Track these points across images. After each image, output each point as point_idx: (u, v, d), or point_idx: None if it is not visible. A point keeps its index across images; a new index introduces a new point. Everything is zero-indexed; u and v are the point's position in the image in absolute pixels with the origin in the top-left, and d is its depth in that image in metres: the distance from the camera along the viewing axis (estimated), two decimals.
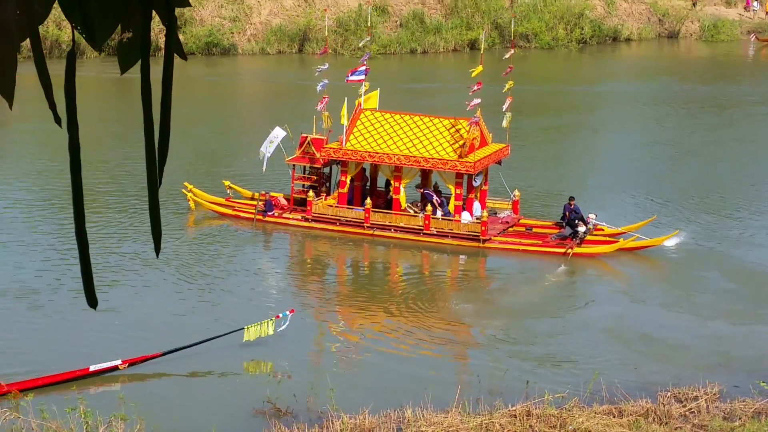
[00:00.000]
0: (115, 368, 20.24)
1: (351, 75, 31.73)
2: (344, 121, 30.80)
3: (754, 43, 78.70)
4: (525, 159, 38.80)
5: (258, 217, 31.03)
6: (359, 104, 31.13)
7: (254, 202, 31.66)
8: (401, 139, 30.33)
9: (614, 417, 18.11)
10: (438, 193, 30.95)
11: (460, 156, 29.64)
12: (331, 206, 30.85)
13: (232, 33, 65.86)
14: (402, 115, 31.10)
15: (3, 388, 18.96)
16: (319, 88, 31.93)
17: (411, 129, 30.49)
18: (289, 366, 20.99)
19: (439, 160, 29.79)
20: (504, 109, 32.08)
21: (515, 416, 17.92)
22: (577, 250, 29.09)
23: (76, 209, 2.88)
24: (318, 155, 31.04)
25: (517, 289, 26.80)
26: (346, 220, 30.47)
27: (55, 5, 2.84)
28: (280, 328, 21.76)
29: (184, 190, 31.66)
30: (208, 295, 25.39)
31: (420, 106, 42.72)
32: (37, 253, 27.62)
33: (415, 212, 30.34)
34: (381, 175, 31.94)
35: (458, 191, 30.13)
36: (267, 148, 31.69)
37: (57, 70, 2.94)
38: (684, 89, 58.84)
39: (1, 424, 17.27)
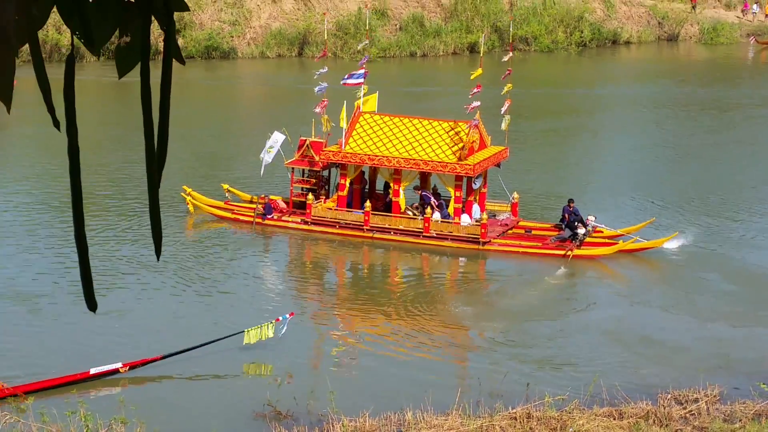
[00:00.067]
0: (116, 371, 20.25)
1: (348, 78, 31.70)
2: (343, 124, 30.82)
3: (754, 45, 78.72)
4: (524, 162, 38.81)
5: (257, 220, 31.04)
6: (358, 107, 31.15)
7: (253, 205, 31.67)
8: (400, 141, 30.35)
9: (614, 419, 18.12)
10: (437, 195, 30.97)
11: (459, 159, 29.66)
12: (331, 209, 30.86)
13: (232, 37, 65.89)
14: (401, 118, 31.12)
15: (4, 392, 18.95)
16: (317, 90, 31.92)
17: (410, 132, 30.51)
18: (289, 369, 20.97)
19: (439, 162, 29.80)
20: (503, 112, 32.10)
21: (515, 419, 17.93)
22: (576, 252, 29.11)
23: (75, 212, 2.90)
24: (317, 158, 31.05)
25: (517, 292, 26.81)
26: (346, 223, 30.48)
27: (54, 10, 2.86)
28: (280, 331, 21.77)
29: (183, 194, 31.68)
30: (208, 298, 25.40)
31: (420, 110, 42.73)
32: (37, 256, 27.63)
33: (414, 214, 30.35)
34: (379, 178, 31.95)
35: (458, 194, 30.15)
36: (267, 155, 31.66)
37: (57, 74, 2.95)
38: (683, 92, 58.87)
39: (2, 427, 17.28)
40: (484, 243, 29.46)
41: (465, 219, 30.09)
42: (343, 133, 30.70)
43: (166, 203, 30.96)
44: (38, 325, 23.22)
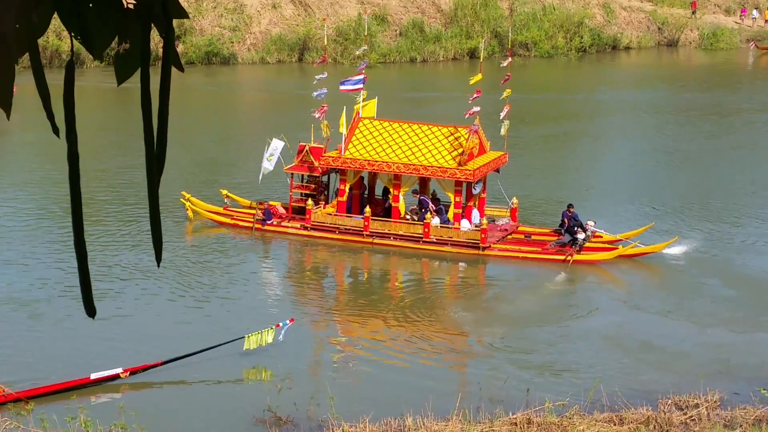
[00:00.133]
0: (116, 377, 20.25)
1: (346, 83, 31.65)
2: (343, 129, 30.83)
3: (754, 51, 78.80)
4: (524, 167, 38.83)
5: (257, 226, 31.04)
6: (357, 113, 31.17)
7: (252, 211, 31.65)
8: (400, 147, 30.37)
9: (615, 425, 18.11)
10: (436, 200, 30.98)
11: (459, 164, 29.67)
12: (330, 215, 30.86)
13: (232, 42, 65.95)
14: (400, 124, 31.13)
15: (4, 398, 18.93)
16: (315, 95, 31.91)
17: (410, 137, 30.53)
18: (290, 374, 20.98)
19: (439, 168, 29.82)
20: (502, 117, 32.13)
21: (516, 424, 17.92)
22: (576, 257, 29.11)
23: (74, 218, 2.90)
24: (316, 164, 31.06)
25: (517, 297, 26.81)
26: (346, 229, 30.48)
27: (54, 15, 2.87)
28: (280, 337, 21.77)
29: (182, 200, 31.67)
30: (208, 304, 25.40)
31: (419, 115, 42.75)
32: (37, 262, 27.63)
33: (413, 219, 30.38)
34: (378, 183, 31.96)
35: (457, 199, 30.16)
36: (267, 162, 31.63)
37: (57, 79, 2.96)
38: (683, 97, 58.90)
39: None
40: (484, 248, 29.46)
41: (465, 224, 30.10)
42: (343, 139, 30.71)
43: (165, 209, 30.96)
44: (39, 330, 23.22)
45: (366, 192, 31.98)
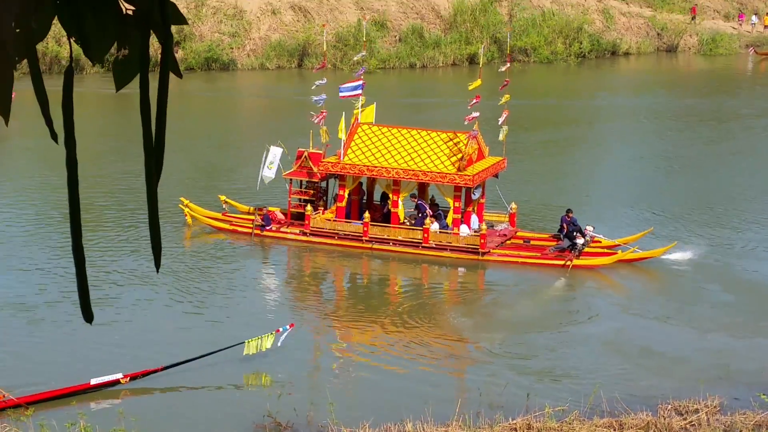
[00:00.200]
0: (117, 382, 20.23)
1: (345, 88, 31.63)
2: (342, 135, 30.84)
3: (753, 56, 78.82)
4: (523, 172, 38.85)
5: (256, 231, 31.03)
6: (356, 118, 31.19)
7: (251, 217, 31.64)
8: (399, 152, 30.39)
9: (615, 430, 18.11)
10: (435, 206, 30.99)
11: (458, 169, 29.69)
12: (330, 220, 30.86)
13: (232, 48, 65.97)
14: (399, 129, 31.15)
15: (4, 403, 18.91)
16: (314, 99, 31.91)
17: (409, 143, 30.55)
18: (289, 380, 20.99)
19: (438, 173, 29.83)
20: (500, 123, 32.15)
21: (516, 429, 17.93)
22: (576, 262, 29.11)
23: (73, 224, 2.91)
24: (315, 169, 31.05)
25: (517, 302, 26.81)
26: (345, 234, 30.48)
27: (54, 21, 2.88)
28: (280, 342, 21.76)
29: (180, 205, 31.66)
30: (208, 310, 25.40)
31: (419, 121, 42.75)
32: (37, 268, 27.63)
33: (411, 224, 30.41)
34: (377, 188, 31.97)
35: (457, 204, 30.17)
36: (268, 170, 31.61)
37: (57, 85, 2.97)
38: (682, 103, 58.93)
39: None
40: (484, 253, 29.46)
41: (464, 229, 30.11)
42: (342, 144, 30.72)
43: (165, 215, 30.94)
44: (38, 336, 23.22)
45: (365, 197, 31.99)
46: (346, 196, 30.92)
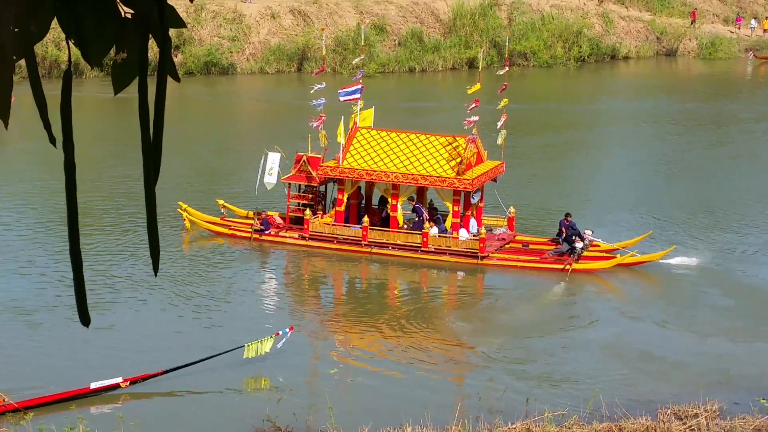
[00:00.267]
0: (116, 386, 20.20)
1: (344, 92, 31.61)
2: (341, 139, 30.84)
3: (752, 60, 78.89)
4: (522, 176, 38.86)
5: (255, 236, 31.01)
6: (355, 122, 31.19)
7: (249, 221, 31.61)
8: (398, 157, 30.38)
9: None
10: (434, 210, 30.99)
11: (457, 173, 29.69)
12: (328, 224, 30.85)
13: (231, 52, 66.00)
14: (398, 133, 31.16)
15: (3, 408, 18.89)
16: (313, 103, 31.90)
17: (408, 147, 30.55)
18: (289, 384, 20.98)
19: (437, 177, 29.83)
20: (499, 127, 32.17)
21: None
22: (575, 266, 29.10)
23: (70, 228, 2.91)
24: (314, 174, 31.03)
25: (517, 307, 26.79)
26: (344, 238, 30.47)
27: (54, 25, 2.87)
28: (280, 346, 21.75)
29: (179, 210, 31.64)
30: (207, 314, 25.38)
31: (418, 125, 42.79)
32: (36, 272, 27.62)
33: (409, 227, 30.42)
34: (375, 192, 31.97)
35: (456, 208, 30.16)
36: (269, 176, 31.59)
37: (56, 89, 2.96)
38: (682, 107, 58.95)
39: None
40: (483, 257, 29.46)
41: (463, 233, 30.11)
42: (341, 149, 30.72)
43: (163, 219, 30.94)
44: (38, 340, 23.19)
45: (363, 201, 31.99)
46: (345, 200, 30.91)
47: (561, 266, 29.14)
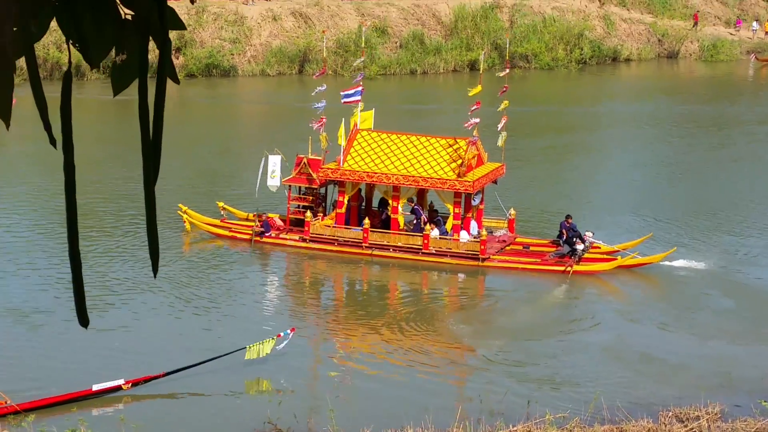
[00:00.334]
0: (118, 388, 20.20)
1: (345, 95, 31.61)
2: (341, 141, 30.83)
3: (754, 63, 78.87)
4: (523, 178, 38.85)
5: (255, 238, 30.99)
6: (356, 125, 31.18)
7: (250, 223, 31.60)
8: (399, 158, 30.38)
9: None
10: (434, 212, 30.98)
11: (458, 175, 29.68)
12: (329, 226, 30.84)
13: (233, 54, 66.01)
14: (399, 135, 31.15)
15: (5, 410, 18.88)
16: (314, 106, 31.90)
17: (408, 149, 30.55)
18: (290, 386, 20.98)
19: (438, 179, 29.82)
20: (499, 129, 32.16)
21: None
22: (576, 267, 29.09)
23: (69, 230, 2.91)
24: (315, 176, 31.03)
25: (517, 309, 26.77)
26: (345, 240, 30.46)
27: (55, 27, 2.87)
28: (281, 348, 21.74)
29: (179, 212, 31.62)
30: (208, 316, 25.37)
31: (420, 127, 42.77)
32: (37, 274, 27.60)
33: (409, 228, 30.42)
34: (376, 194, 31.96)
35: (457, 210, 30.15)
36: (271, 179, 31.58)
37: (57, 91, 2.96)
38: (683, 109, 58.93)
39: None
40: (484, 259, 29.45)
41: (464, 236, 30.10)
42: (341, 151, 30.71)
43: (163, 221, 30.94)
44: (39, 342, 23.18)
45: (363, 203, 31.98)
46: (346, 202, 30.90)
47: (562, 268, 29.13)
